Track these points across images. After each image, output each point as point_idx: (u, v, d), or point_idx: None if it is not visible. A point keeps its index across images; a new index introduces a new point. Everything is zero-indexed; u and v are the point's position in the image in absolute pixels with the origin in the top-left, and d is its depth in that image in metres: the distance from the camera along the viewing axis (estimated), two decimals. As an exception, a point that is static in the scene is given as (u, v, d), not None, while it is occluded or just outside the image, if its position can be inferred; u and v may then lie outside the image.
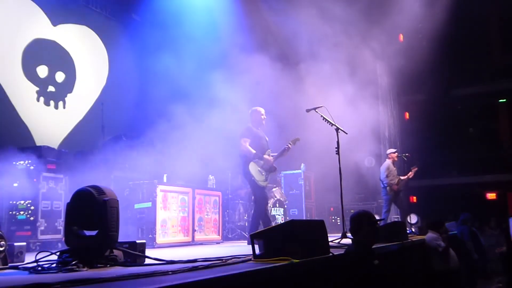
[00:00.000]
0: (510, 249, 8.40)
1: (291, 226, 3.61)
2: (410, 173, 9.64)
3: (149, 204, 6.90)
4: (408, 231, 7.41)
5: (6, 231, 6.06)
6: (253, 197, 7.30)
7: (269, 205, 9.47)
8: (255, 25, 10.00)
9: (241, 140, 6.68)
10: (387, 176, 9.38)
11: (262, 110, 6.96)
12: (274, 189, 9.85)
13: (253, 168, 6.61)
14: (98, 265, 3.39)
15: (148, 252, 4.03)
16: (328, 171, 6.80)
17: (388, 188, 9.34)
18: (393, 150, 9.98)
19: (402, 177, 9.53)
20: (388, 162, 9.62)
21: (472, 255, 8.93)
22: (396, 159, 9.76)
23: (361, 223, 4.06)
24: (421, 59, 12.11)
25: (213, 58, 9.48)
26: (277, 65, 9.66)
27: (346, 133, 6.34)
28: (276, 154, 6.87)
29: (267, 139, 6.93)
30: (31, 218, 6.24)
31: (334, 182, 6.39)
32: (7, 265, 3.55)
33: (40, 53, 8.53)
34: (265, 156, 6.65)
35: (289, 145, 6.77)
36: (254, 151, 6.57)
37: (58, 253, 3.50)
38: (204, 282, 2.46)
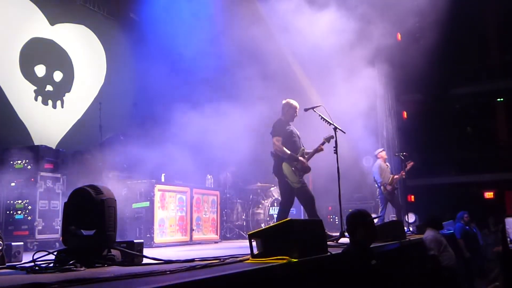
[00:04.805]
0: (505, 249, 8.44)
1: (289, 225, 3.61)
2: (403, 171, 9.65)
3: (147, 204, 6.90)
4: (406, 230, 7.43)
5: (3, 230, 6.07)
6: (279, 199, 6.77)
7: (267, 204, 9.49)
8: (252, 24, 9.97)
9: (273, 139, 6.29)
10: (379, 176, 9.43)
11: (297, 105, 6.49)
12: (272, 189, 9.86)
13: (287, 169, 6.18)
14: (96, 265, 3.39)
15: (146, 251, 4.03)
16: (326, 170, 6.75)
17: (382, 187, 9.39)
18: (380, 149, 10.06)
19: (396, 176, 9.56)
20: (378, 161, 9.68)
21: (463, 254, 8.96)
22: (385, 157, 9.85)
23: (356, 223, 4.05)
24: (419, 58, 12.12)
25: (211, 58, 9.47)
26: (274, 65, 9.67)
27: (344, 132, 6.34)
28: (310, 152, 6.44)
29: (299, 135, 6.53)
30: (29, 218, 6.24)
31: (332, 181, 6.38)
32: (4, 264, 3.54)
33: (37, 53, 8.51)
34: (300, 158, 6.22)
35: (322, 144, 6.35)
36: (288, 152, 6.16)
37: (55, 253, 3.49)
38: (202, 282, 2.46)
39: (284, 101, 6.54)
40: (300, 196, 6.38)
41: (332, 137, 6.28)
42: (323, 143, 6.34)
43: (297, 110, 6.48)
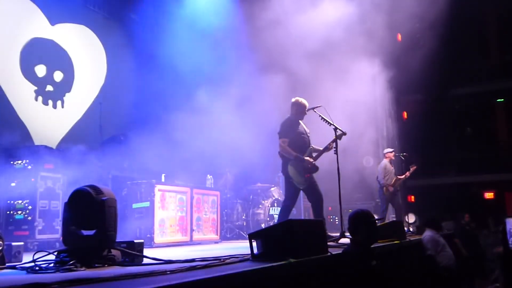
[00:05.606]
0: (506, 250, 8.45)
1: (290, 225, 3.61)
2: (407, 172, 9.67)
3: (147, 204, 6.90)
4: (406, 231, 7.43)
5: (3, 230, 6.06)
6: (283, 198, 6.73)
7: (267, 205, 9.49)
8: (252, 24, 9.98)
9: (280, 140, 6.25)
10: (383, 176, 9.42)
11: (306, 104, 6.43)
12: (272, 189, 9.85)
13: (292, 170, 6.17)
14: (96, 265, 3.39)
15: (146, 251, 4.03)
16: (326, 170, 6.74)
17: (384, 188, 9.39)
18: (390, 150, 10.02)
19: (399, 177, 9.57)
20: (385, 161, 9.67)
21: (462, 254, 8.96)
22: (393, 158, 9.82)
23: (359, 222, 4.04)
24: (419, 58, 12.13)
25: (211, 57, 9.47)
26: (273, 65, 9.67)
27: (345, 133, 6.33)
28: (319, 150, 6.38)
29: (308, 132, 6.46)
30: (29, 218, 6.23)
31: (332, 182, 6.38)
32: (4, 265, 3.54)
33: (38, 53, 8.51)
34: (306, 158, 6.16)
35: (333, 142, 6.27)
36: (294, 154, 6.13)
37: (56, 253, 3.50)
38: (202, 282, 2.46)
39: (293, 100, 6.50)
40: (308, 194, 6.39)
41: (344, 134, 6.26)
42: (333, 141, 6.28)
43: (306, 107, 6.44)
